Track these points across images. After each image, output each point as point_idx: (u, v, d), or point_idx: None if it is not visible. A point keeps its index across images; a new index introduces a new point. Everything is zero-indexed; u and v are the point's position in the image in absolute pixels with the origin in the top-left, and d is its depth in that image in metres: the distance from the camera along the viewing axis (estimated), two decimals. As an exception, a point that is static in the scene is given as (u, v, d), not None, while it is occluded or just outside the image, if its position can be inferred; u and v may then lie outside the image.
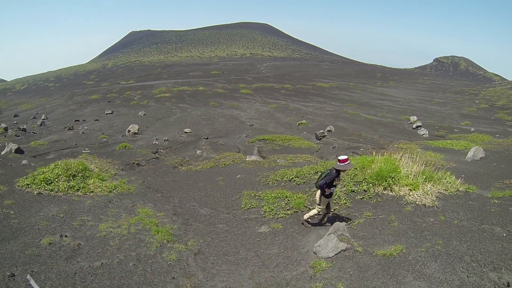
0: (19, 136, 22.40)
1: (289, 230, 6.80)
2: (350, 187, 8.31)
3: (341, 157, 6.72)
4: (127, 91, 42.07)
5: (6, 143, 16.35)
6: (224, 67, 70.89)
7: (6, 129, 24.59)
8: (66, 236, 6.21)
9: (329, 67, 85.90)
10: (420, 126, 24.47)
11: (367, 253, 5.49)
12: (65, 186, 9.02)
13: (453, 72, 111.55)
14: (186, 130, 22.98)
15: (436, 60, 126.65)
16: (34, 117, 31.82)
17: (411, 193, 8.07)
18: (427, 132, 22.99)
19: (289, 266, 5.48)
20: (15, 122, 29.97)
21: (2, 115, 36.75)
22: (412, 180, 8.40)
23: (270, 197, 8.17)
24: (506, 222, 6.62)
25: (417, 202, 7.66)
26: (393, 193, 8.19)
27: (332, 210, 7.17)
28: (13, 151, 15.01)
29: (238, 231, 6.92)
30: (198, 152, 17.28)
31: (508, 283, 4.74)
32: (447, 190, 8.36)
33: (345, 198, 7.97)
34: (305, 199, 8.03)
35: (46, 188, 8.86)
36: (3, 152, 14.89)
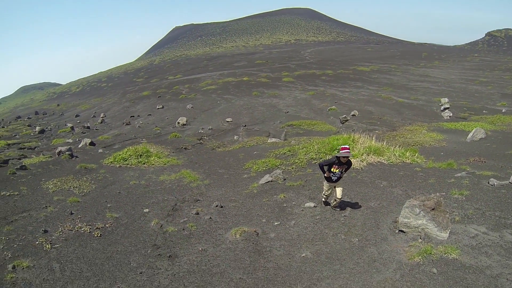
0: (84, 133, 29.92)
1: (257, 177, 12.53)
2: (312, 155, 13.77)
3: (343, 146, 8.29)
4: (175, 85, 49.51)
5: (82, 139, 24.10)
6: (269, 55, 77.02)
7: (72, 128, 32.94)
8: (142, 182, 13.00)
9: (373, 49, 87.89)
10: (447, 108, 28.16)
11: (284, 183, 11.25)
12: (136, 161, 15.71)
13: (507, 47, 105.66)
14: (228, 119, 28.94)
15: (488, 34, 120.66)
16: (94, 116, 39.93)
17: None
18: (451, 114, 26.71)
19: (244, 187, 11.50)
20: (78, 121, 38.44)
21: (65, 116, 46.30)
22: (357, 152, 13.14)
23: (260, 162, 13.89)
24: (396, 179, 10.39)
25: (351, 166, 12.83)
26: (339, 160, 13.28)
27: (339, 198, 8.38)
28: (87, 144, 22.05)
29: (232, 178, 12.93)
30: (235, 137, 23.02)
31: (346, 206, 8.84)
32: (388, 160, 12.65)
33: (306, 162, 13.50)
34: (280, 163, 13.73)
35: (123, 163, 15.57)
36: (80, 145, 21.94)
